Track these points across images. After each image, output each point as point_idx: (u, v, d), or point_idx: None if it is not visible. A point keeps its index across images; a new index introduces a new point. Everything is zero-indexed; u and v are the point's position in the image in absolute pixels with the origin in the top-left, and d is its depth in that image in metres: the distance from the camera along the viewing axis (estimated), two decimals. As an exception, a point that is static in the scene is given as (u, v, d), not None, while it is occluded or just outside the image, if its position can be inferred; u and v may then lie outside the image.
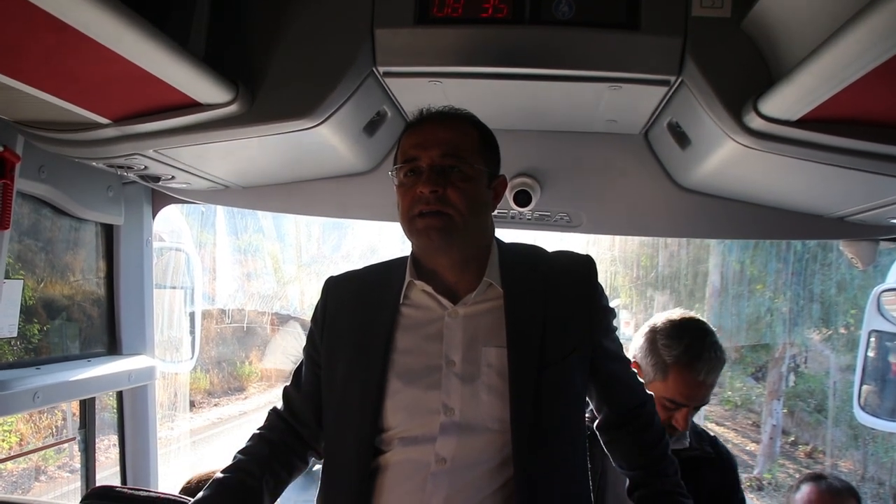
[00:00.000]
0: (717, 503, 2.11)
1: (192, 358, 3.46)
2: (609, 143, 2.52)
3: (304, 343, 1.87)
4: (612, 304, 1.83)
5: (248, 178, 2.65)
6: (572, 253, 1.82)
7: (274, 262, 14.91)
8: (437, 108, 1.74)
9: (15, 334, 2.39)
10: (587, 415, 1.87)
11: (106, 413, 3.51)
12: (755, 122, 1.68)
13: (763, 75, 1.73)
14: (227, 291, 14.20)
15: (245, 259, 14.53)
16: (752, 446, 13.27)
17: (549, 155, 2.57)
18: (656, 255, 14.11)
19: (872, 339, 3.17)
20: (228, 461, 1.78)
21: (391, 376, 1.64)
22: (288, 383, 1.89)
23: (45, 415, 8.70)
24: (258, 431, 1.84)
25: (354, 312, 1.76)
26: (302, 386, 1.83)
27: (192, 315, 3.48)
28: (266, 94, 1.92)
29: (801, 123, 1.63)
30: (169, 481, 3.30)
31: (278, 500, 1.83)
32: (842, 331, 12.02)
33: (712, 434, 2.43)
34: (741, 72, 1.76)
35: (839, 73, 1.36)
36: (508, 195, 2.54)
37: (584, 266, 1.79)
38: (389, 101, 2.19)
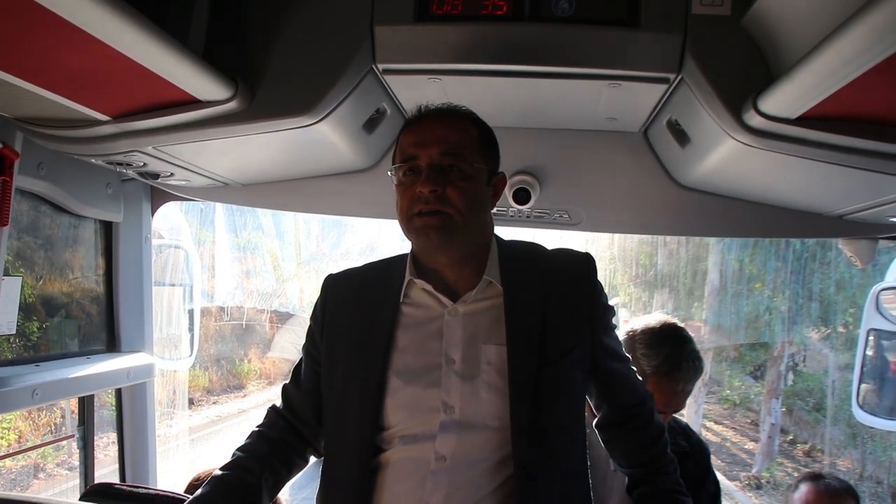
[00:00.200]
0: (692, 489, 2.12)
1: (190, 355, 3.46)
2: (608, 141, 2.51)
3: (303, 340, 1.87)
4: (610, 303, 1.83)
5: (247, 176, 2.65)
6: (572, 251, 1.82)
7: (273, 259, 14.92)
8: (436, 105, 1.73)
9: (14, 331, 2.39)
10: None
11: (105, 410, 3.51)
12: (755, 119, 1.68)
13: (763, 73, 1.73)
14: (226, 289, 14.21)
15: (244, 256, 14.54)
16: (750, 445, 13.30)
17: (549, 153, 2.57)
18: (655, 254, 14.12)
19: (871, 338, 3.17)
20: (228, 458, 1.77)
21: (391, 374, 1.64)
22: (287, 381, 1.89)
23: (44, 412, 8.71)
24: (257, 429, 1.84)
25: (354, 310, 1.75)
26: (301, 384, 1.83)
27: (190, 312, 3.48)
28: (265, 91, 1.92)
29: (801, 121, 1.63)
30: (168, 479, 3.30)
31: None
32: (840, 329, 12.03)
33: (683, 423, 2.44)
34: (741, 69, 1.76)
35: (839, 70, 1.36)
36: (508, 193, 2.54)
37: (583, 264, 1.79)
38: (389, 98, 2.19)
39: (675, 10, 1.80)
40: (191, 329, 3.44)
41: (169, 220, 3.43)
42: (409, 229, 1.67)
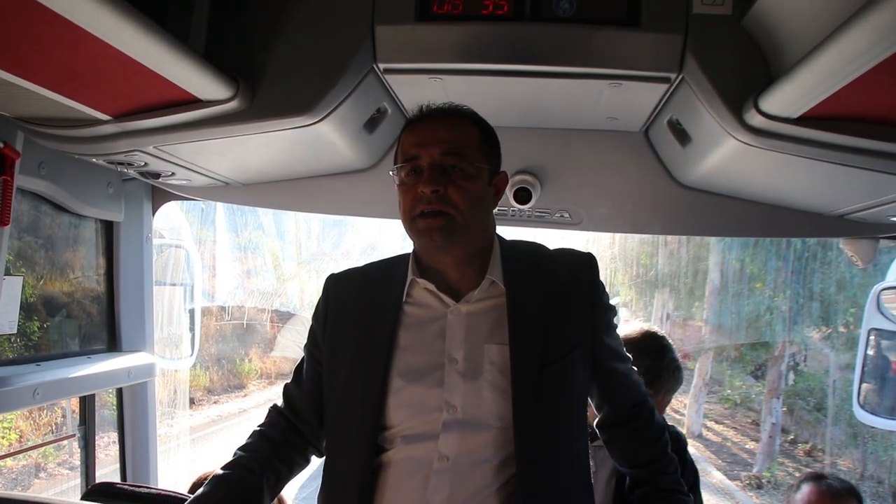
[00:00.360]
0: None
1: (191, 355, 3.46)
2: (609, 141, 2.51)
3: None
4: (611, 302, 1.83)
5: (248, 175, 2.65)
6: (574, 251, 1.82)
7: (274, 259, 14.94)
8: (438, 104, 1.73)
9: (15, 331, 2.39)
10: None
11: (106, 410, 3.51)
12: (755, 119, 1.68)
13: (763, 73, 1.73)
14: (227, 288, 14.24)
15: (245, 256, 14.56)
16: (751, 444, 13.31)
17: (550, 152, 2.57)
18: (656, 254, 14.15)
19: (872, 338, 3.17)
20: (229, 458, 1.78)
21: (394, 374, 1.64)
22: (288, 381, 1.89)
23: (45, 412, 8.71)
24: (259, 429, 1.83)
25: (357, 310, 1.75)
26: (303, 383, 1.83)
27: (191, 312, 3.48)
28: (266, 91, 1.92)
29: (802, 121, 1.63)
30: (168, 478, 3.30)
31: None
32: (841, 329, 12.04)
33: (660, 416, 2.45)
34: (742, 69, 1.75)
35: (840, 70, 1.36)
36: (508, 192, 2.54)
37: (585, 264, 1.79)
38: (390, 97, 2.19)
39: (675, 10, 1.80)
40: (191, 328, 3.44)
41: (170, 220, 3.43)
42: (412, 230, 1.67)
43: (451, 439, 1.59)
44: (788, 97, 1.56)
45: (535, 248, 1.82)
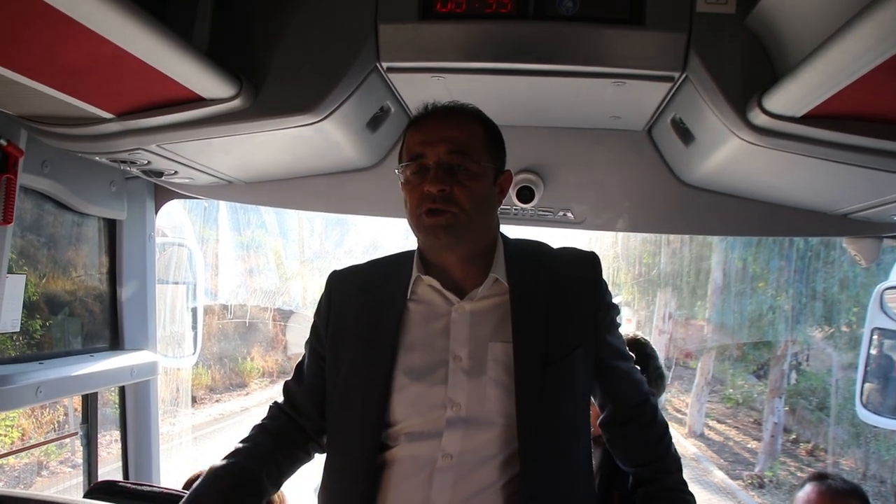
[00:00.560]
0: None
1: (193, 353, 3.47)
2: (612, 140, 2.51)
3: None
4: (614, 301, 1.84)
5: (251, 174, 2.65)
6: (577, 249, 1.83)
7: (276, 257, 14.94)
8: (443, 103, 1.73)
9: (17, 329, 2.39)
10: None
11: (108, 408, 3.51)
12: (759, 118, 1.68)
13: (767, 72, 1.72)
14: (230, 287, 14.23)
15: (247, 255, 14.55)
16: (753, 444, 13.31)
17: (553, 151, 2.57)
18: (659, 253, 14.14)
19: (875, 337, 3.17)
20: (230, 449, 1.77)
21: (398, 371, 1.64)
22: (288, 379, 1.89)
23: (47, 410, 8.73)
24: (260, 423, 1.84)
25: (360, 307, 1.75)
26: (305, 380, 1.83)
27: (194, 311, 3.48)
28: (269, 89, 1.92)
29: (806, 120, 1.62)
30: (171, 477, 3.30)
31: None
32: (844, 329, 12.03)
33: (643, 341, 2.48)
34: (745, 68, 1.75)
35: (844, 69, 1.35)
36: (511, 191, 2.54)
37: (588, 262, 1.79)
38: (393, 96, 2.19)
39: (679, 9, 1.79)
40: (194, 327, 3.45)
41: (172, 219, 3.43)
42: (417, 228, 1.67)
43: (455, 437, 1.59)
44: (792, 96, 1.55)
45: (538, 247, 1.82)
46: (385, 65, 1.95)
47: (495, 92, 2.09)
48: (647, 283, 14.66)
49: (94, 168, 2.50)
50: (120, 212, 2.87)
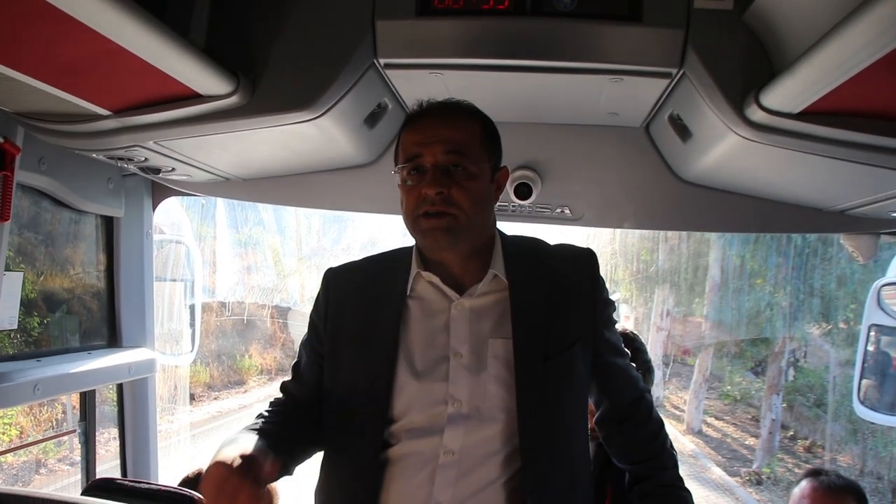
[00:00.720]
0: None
1: (191, 351, 3.46)
2: (610, 136, 2.51)
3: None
4: (612, 298, 1.84)
5: (248, 171, 2.65)
6: (574, 246, 1.83)
7: (274, 254, 14.95)
8: (438, 100, 1.72)
9: (15, 326, 2.39)
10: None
11: (106, 406, 3.52)
12: (757, 114, 1.68)
13: (765, 68, 1.72)
14: (227, 284, 14.25)
15: (245, 252, 14.56)
16: (751, 441, 13.34)
17: (550, 148, 2.56)
18: (656, 250, 14.16)
19: (872, 334, 3.17)
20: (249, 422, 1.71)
21: (398, 368, 1.64)
22: (287, 379, 1.87)
23: (46, 407, 8.73)
24: (268, 409, 1.79)
25: (357, 305, 1.74)
26: (303, 377, 1.81)
27: (191, 308, 3.48)
28: (267, 86, 1.91)
29: (803, 116, 1.62)
30: (169, 474, 3.30)
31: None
32: (841, 325, 12.06)
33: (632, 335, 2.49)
34: (743, 64, 1.75)
35: (841, 65, 1.35)
36: (509, 188, 2.54)
37: (586, 259, 1.79)
38: (390, 93, 2.18)
39: (676, 5, 1.79)
40: (192, 324, 3.44)
41: (170, 216, 3.43)
42: (415, 230, 1.66)
43: (457, 434, 1.59)
44: (790, 92, 1.55)
45: (535, 243, 1.82)
46: (382, 61, 1.95)
47: (493, 88, 2.09)
48: (645, 279, 14.68)
49: (91, 165, 2.50)
50: (117, 209, 2.87)
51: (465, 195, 1.60)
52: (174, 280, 3.52)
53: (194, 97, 1.84)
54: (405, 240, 1.78)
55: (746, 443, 13.41)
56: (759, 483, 12.09)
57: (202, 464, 2.29)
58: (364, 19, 1.88)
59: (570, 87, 2.08)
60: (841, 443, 11.73)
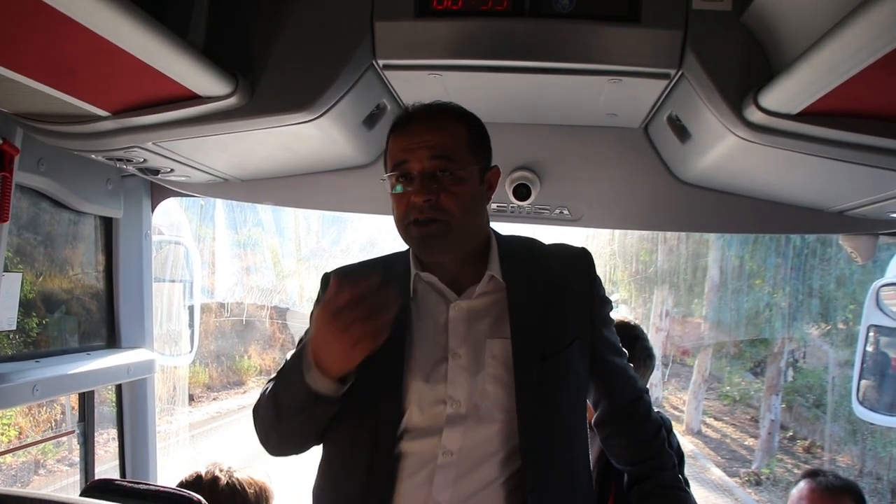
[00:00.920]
0: None
1: (190, 352, 3.46)
2: (609, 137, 2.51)
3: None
4: (611, 298, 1.84)
5: (247, 172, 2.65)
6: (569, 245, 1.83)
7: (273, 255, 14.94)
8: (422, 104, 1.72)
9: (14, 327, 2.39)
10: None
11: (105, 407, 3.51)
12: (755, 115, 1.68)
13: (763, 69, 1.72)
14: (226, 285, 14.24)
15: (244, 253, 14.56)
16: (750, 441, 13.35)
17: (549, 149, 2.56)
18: (655, 250, 14.16)
19: (871, 334, 3.17)
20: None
21: (402, 369, 1.64)
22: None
23: (44, 408, 8.72)
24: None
25: None
26: None
27: (190, 309, 3.48)
28: (265, 87, 1.91)
29: (802, 117, 1.62)
30: (168, 475, 3.30)
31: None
32: (840, 326, 12.07)
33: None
34: (741, 65, 1.75)
35: (839, 66, 1.35)
36: (508, 189, 2.55)
37: (582, 258, 1.80)
38: (389, 94, 2.18)
39: (675, 6, 1.79)
40: (191, 325, 3.44)
41: (169, 217, 3.42)
42: (407, 238, 1.67)
43: (455, 434, 1.60)
44: (788, 93, 1.55)
45: (531, 243, 1.82)
46: (381, 62, 1.95)
47: (491, 89, 2.09)
48: (644, 280, 14.67)
49: (90, 166, 2.50)
50: (116, 210, 2.87)
51: (454, 200, 1.59)
52: (173, 281, 3.51)
53: (193, 98, 1.84)
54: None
55: (745, 443, 13.42)
56: (758, 483, 12.10)
57: (200, 467, 2.29)
58: (363, 20, 1.88)
59: (568, 88, 2.08)
60: (840, 443, 11.74)
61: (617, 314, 2.25)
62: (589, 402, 1.87)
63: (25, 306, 2.52)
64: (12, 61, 1.50)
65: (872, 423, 4.75)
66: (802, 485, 2.67)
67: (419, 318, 1.68)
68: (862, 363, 3.17)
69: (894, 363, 3.41)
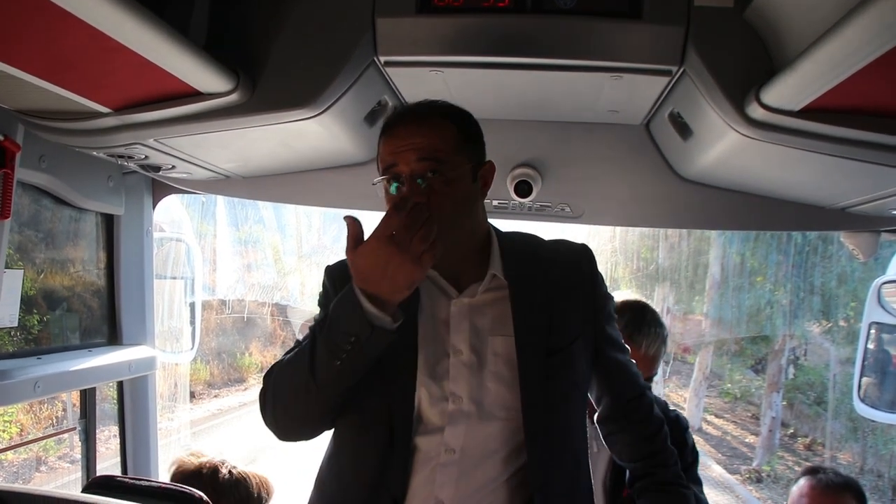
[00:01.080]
0: None
1: (192, 348, 3.47)
2: (610, 134, 2.51)
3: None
4: (611, 294, 1.85)
5: (248, 168, 2.65)
6: (569, 241, 1.83)
7: (274, 252, 14.92)
8: (410, 105, 1.71)
9: (15, 324, 2.39)
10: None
11: (106, 404, 3.51)
12: (757, 112, 1.67)
13: (765, 65, 1.72)
14: (228, 282, 14.22)
15: (245, 250, 14.54)
16: (751, 438, 13.34)
17: (551, 145, 2.56)
18: (657, 247, 14.13)
19: (872, 331, 3.17)
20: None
21: (401, 365, 1.63)
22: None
23: (46, 405, 8.73)
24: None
25: None
26: None
27: (192, 305, 3.48)
28: (267, 84, 1.91)
29: (804, 113, 1.62)
30: (169, 472, 3.31)
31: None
32: (842, 323, 12.05)
33: (662, 401, 2.49)
34: (743, 62, 1.75)
35: (842, 62, 1.35)
36: (509, 186, 2.55)
37: (582, 254, 1.80)
38: (391, 90, 2.18)
39: (677, 2, 1.79)
40: (192, 322, 3.44)
41: (170, 213, 3.43)
42: None
43: (458, 432, 1.59)
44: (790, 89, 1.55)
45: (532, 240, 1.81)
46: (382, 59, 1.95)
47: (493, 86, 2.09)
48: (645, 277, 14.64)
49: (91, 163, 2.50)
50: (117, 207, 2.87)
51: (446, 201, 1.57)
52: (174, 278, 3.51)
53: (194, 95, 1.84)
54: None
55: (746, 440, 13.40)
56: (759, 481, 12.09)
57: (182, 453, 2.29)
58: (364, 17, 1.88)
59: (570, 85, 2.08)
60: (841, 440, 11.73)
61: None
62: (590, 398, 1.88)
63: (27, 303, 2.52)
64: (14, 58, 1.50)
65: (873, 421, 4.74)
66: (803, 482, 2.67)
67: (422, 315, 1.68)
68: (863, 360, 3.17)
69: (895, 360, 3.41)
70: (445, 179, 1.59)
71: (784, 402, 12.84)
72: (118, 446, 3.11)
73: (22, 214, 2.47)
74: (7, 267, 2.25)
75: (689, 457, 2.40)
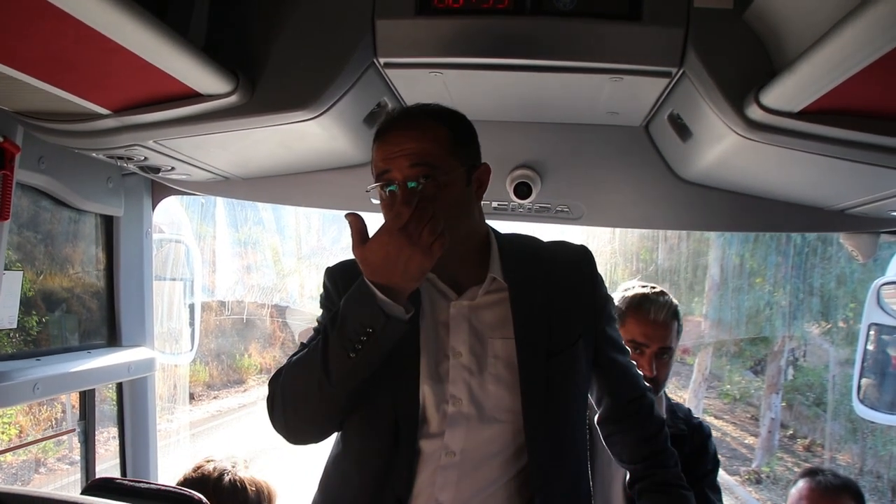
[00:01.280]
0: (689, 468, 2.14)
1: (191, 350, 3.46)
2: (610, 136, 2.51)
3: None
4: (612, 296, 1.85)
5: (247, 170, 2.65)
6: (568, 243, 1.83)
7: (273, 254, 14.90)
8: (402, 109, 1.72)
9: (14, 325, 2.39)
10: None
11: (105, 405, 3.51)
12: (757, 113, 1.67)
13: (765, 67, 1.72)
14: (227, 283, 14.20)
15: (244, 251, 14.52)
16: (750, 440, 13.32)
17: (550, 147, 2.56)
18: (656, 249, 14.12)
19: (872, 333, 3.17)
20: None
21: (402, 368, 1.63)
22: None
23: (45, 407, 8.72)
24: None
25: None
26: None
27: (191, 307, 3.47)
28: (266, 85, 1.91)
29: (803, 115, 1.62)
30: (168, 474, 3.30)
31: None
32: (841, 324, 12.04)
33: (685, 409, 2.52)
34: (743, 63, 1.75)
35: (841, 64, 1.35)
36: (509, 187, 2.55)
37: (582, 255, 1.80)
38: (390, 92, 2.18)
39: (676, 4, 1.79)
40: (191, 323, 3.44)
41: (169, 215, 3.42)
42: None
43: (458, 434, 1.60)
44: (789, 91, 1.55)
45: (531, 241, 1.82)
46: (382, 60, 1.95)
47: (492, 88, 2.09)
48: (644, 279, 14.64)
49: (90, 164, 2.50)
50: (117, 208, 2.87)
51: (438, 206, 1.56)
52: (174, 279, 3.51)
53: (194, 96, 1.84)
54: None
55: (746, 442, 13.39)
56: (758, 482, 12.08)
57: (200, 460, 2.29)
58: (364, 18, 1.88)
59: (569, 87, 2.08)
60: (840, 441, 11.72)
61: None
62: (591, 399, 1.88)
63: (26, 305, 2.52)
64: (13, 59, 1.50)
65: (873, 422, 4.75)
66: (802, 484, 2.67)
67: (423, 318, 1.68)
68: (862, 361, 3.17)
69: (895, 361, 3.41)
70: (438, 184, 1.58)
71: (783, 404, 12.83)
72: (117, 448, 3.11)
73: (21, 216, 2.46)
74: (6, 268, 2.25)
75: (710, 464, 2.40)
